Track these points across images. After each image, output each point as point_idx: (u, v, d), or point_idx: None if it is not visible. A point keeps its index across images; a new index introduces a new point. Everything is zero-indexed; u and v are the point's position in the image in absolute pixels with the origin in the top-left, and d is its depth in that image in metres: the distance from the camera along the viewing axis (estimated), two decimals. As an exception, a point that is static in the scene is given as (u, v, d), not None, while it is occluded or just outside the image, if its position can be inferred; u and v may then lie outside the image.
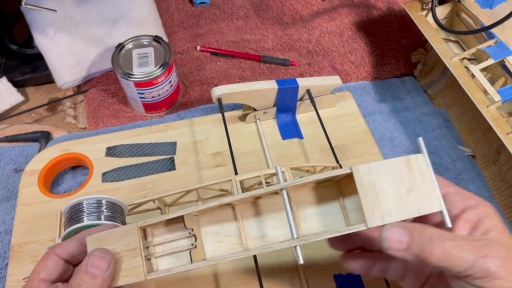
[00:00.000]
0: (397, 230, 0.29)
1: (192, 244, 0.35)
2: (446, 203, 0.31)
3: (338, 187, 0.36)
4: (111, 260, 0.31)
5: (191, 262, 0.35)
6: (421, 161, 0.31)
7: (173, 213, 0.34)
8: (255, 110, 0.57)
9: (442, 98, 0.67)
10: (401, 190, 0.30)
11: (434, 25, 0.62)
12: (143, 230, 0.35)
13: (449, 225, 0.30)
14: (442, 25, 0.61)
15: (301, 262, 0.31)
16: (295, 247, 0.32)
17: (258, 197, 0.37)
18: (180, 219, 0.36)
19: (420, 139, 0.33)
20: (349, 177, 0.32)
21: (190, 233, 0.36)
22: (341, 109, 0.59)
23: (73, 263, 0.34)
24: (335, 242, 0.37)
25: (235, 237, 0.36)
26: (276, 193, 0.36)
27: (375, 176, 0.31)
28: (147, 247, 0.35)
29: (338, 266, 0.45)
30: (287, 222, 0.33)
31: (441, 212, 0.30)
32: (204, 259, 0.35)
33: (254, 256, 0.42)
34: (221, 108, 0.53)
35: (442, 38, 0.60)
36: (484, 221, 0.30)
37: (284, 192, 0.33)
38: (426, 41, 0.72)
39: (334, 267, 0.45)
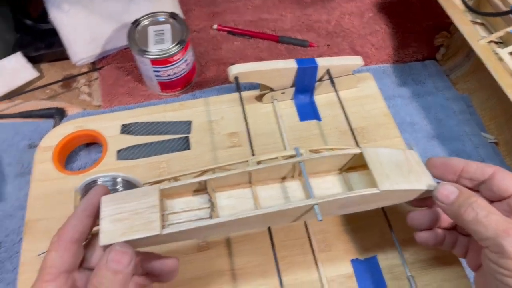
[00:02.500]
0: (449, 187, 0.34)
1: (210, 212, 0.36)
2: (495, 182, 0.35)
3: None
4: (132, 255, 0.31)
5: None
6: (415, 154, 0.39)
7: (194, 179, 0.36)
8: (272, 90, 0.55)
9: (465, 83, 0.65)
10: (403, 170, 0.37)
11: (461, 7, 0.60)
12: (161, 201, 0.34)
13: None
14: (469, 6, 0.59)
15: (320, 218, 0.34)
16: (313, 206, 0.35)
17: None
18: (198, 191, 0.38)
19: (411, 145, 0.41)
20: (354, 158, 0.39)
21: (209, 200, 0.36)
22: (361, 91, 0.57)
23: (82, 241, 0.33)
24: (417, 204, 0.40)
25: (251, 205, 0.38)
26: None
27: (381, 158, 0.37)
28: (164, 215, 0.35)
29: (355, 250, 0.44)
30: (304, 190, 0.38)
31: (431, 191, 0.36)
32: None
33: (271, 238, 0.42)
34: (238, 87, 0.52)
35: (468, 20, 0.58)
36: None
37: (302, 165, 0.38)
38: (450, 23, 0.70)
39: (351, 252, 0.44)
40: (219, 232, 0.38)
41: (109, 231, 0.32)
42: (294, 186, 0.41)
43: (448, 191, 0.34)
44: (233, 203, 0.39)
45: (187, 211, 0.37)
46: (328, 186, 0.41)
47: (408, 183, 0.36)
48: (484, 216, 0.31)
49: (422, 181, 0.37)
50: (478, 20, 0.63)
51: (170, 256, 0.35)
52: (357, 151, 0.38)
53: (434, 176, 0.38)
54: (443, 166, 0.38)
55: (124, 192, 0.34)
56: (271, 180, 0.41)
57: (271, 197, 0.40)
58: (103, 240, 0.31)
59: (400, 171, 0.37)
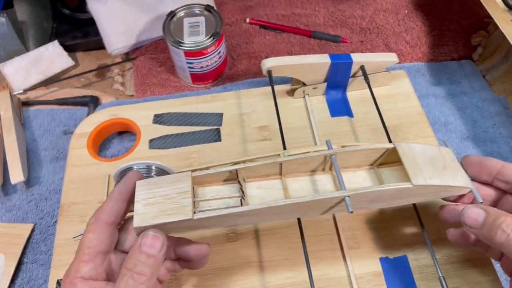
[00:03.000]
0: (475, 210, 0.33)
1: (241, 200, 0.36)
2: None
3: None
4: (164, 240, 0.32)
5: None
6: (449, 151, 0.38)
7: (226, 167, 0.37)
8: (304, 84, 0.55)
9: (502, 84, 0.63)
10: (437, 165, 0.36)
11: (502, 5, 0.58)
12: (192, 189, 0.35)
13: (480, 200, 0.36)
14: (511, 5, 0.57)
15: (351, 210, 0.34)
16: (344, 198, 0.35)
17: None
18: (228, 181, 0.38)
19: (445, 142, 0.41)
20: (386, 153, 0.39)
21: (240, 189, 0.37)
22: (394, 89, 0.56)
23: (117, 224, 0.34)
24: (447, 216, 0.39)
25: (281, 196, 0.39)
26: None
27: (415, 153, 0.37)
28: (196, 202, 0.36)
29: (384, 249, 0.44)
30: (334, 183, 0.39)
31: (472, 191, 0.37)
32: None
33: (301, 232, 0.41)
34: (271, 80, 0.52)
35: (509, 19, 0.56)
36: None
37: (334, 157, 0.38)
38: (488, 23, 0.68)
39: (381, 250, 0.44)
40: (249, 220, 0.38)
41: (143, 213, 0.33)
42: (324, 180, 0.41)
43: (475, 214, 0.33)
44: (262, 193, 0.39)
45: (218, 199, 0.38)
46: (359, 180, 0.41)
47: (442, 178, 0.35)
48: None
49: (457, 178, 0.36)
50: (519, 20, 0.61)
51: (201, 242, 0.36)
52: (390, 145, 0.38)
53: (468, 175, 0.37)
54: (478, 165, 0.37)
55: (157, 177, 0.35)
56: (301, 173, 0.41)
57: (301, 189, 0.40)
58: (137, 222, 0.32)
59: (434, 166, 0.36)
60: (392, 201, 0.39)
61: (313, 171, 0.41)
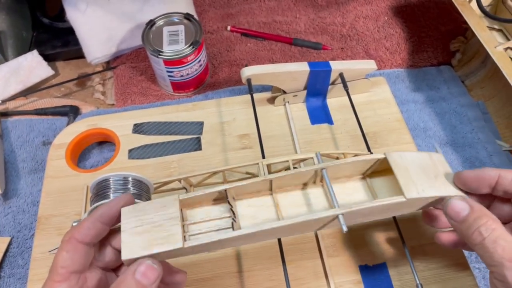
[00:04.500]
0: (460, 204, 0.33)
1: (232, 222, 0.35)
2: None
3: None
4: (160, 273, 0.30)
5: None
6: (441, 157, 0.38)
7: (215, 187, 0.36)
8: (284, 92, 0.55)
9: (481, 89, 0.64)
10: (429, 175, 0.35)
11: (478, 12, 0.59)
12: (181, 211, 0.34)
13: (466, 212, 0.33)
14: (487, 12, 0.58)
15: (346, 229, 0.33)
16: (338, 216, 0.34)
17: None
18: (218, 200, 0.38)
19: (436, 145, 0.40)
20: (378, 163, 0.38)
21: (230, 209, 0.36)
22: (374, 95, 0.57)
23: (93, 245, 0.33)
24: (428, 219, 0.39)
25: (273, 213, 0.38)
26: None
27: (406, 162, 0.36)
28: (185, 226, 0.35)
29: (364, 256, 0.44)
30: (326, 196, 0.38)
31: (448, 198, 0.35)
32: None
33: (279, 241, 0.41)
34: (250, 89, 0.52)
35: (486, 26, 0.57)
36: None
37: (325, 171, 0.37)
38: (466, 29, 0.69)
39: (360, 258, 0.44)
40: (241, 242, 0.37)
41: (131, 244, 0.31)
42: (316, 193, 0.40)
43: (459, 208, 0.32)
44: (254, 212, 0.38)
45: (208, 221, 0.36)
46: (350, 192, 0.40)
47: (435, 189, 0.35)
48: (491, 242, 0.30)
49: (449, 187, 0.35)
50: (496, 26, 0.62)
51: (179, 270, 0.35)
52: (381, 156, 0.37)
53: (467, 191, 0.36)
54: (476, 180, 0.35)
55: (143, 203, 0.34)
56: (292, 187, 0.40)
57: (293, 203, 0.39)
58: (125, 253, 0.31)
59: (427, 177, 0.35)
60: (385, 214, 0.39)
61: (305, 184, 0.40)
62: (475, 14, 0.58)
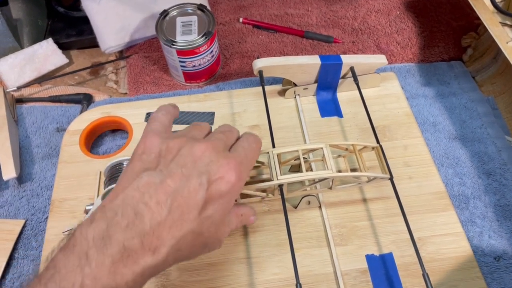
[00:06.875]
0: None
1: None
2: None
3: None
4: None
5: None
6: None
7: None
8: (295, 85, 0.56)
9: (491, 85, 0.64)
10: None
11: (491, 8, 0.59)
12: None
13: None
14: (500, 7, 0.58)
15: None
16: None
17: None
18: None
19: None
20: None
21: None
22: (384, 90, 0.57)
23: None
24: None
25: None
26: None
27: None
28: None
29: (370, 246, 0.45)
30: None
31: None
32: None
33: (288, 228, 0.42)
34: (262, 80, 0.52)
35: (498, 21, 0.57)
36: None
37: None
38: (478, 24, 0.69)
39: (367, 247, 0.45)
40: None
41: None
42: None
43: None
44: None
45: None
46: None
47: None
48: None
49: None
50: (508, 22, 0.62)
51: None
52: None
53: None
54: None
55: None
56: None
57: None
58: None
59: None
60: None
61: None
62: (488, 10, 0.58)
